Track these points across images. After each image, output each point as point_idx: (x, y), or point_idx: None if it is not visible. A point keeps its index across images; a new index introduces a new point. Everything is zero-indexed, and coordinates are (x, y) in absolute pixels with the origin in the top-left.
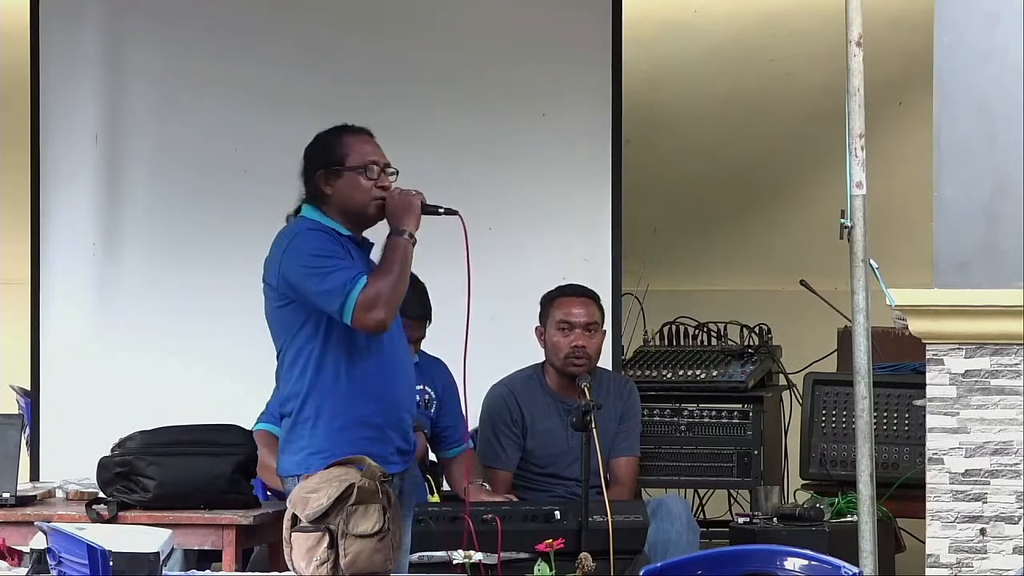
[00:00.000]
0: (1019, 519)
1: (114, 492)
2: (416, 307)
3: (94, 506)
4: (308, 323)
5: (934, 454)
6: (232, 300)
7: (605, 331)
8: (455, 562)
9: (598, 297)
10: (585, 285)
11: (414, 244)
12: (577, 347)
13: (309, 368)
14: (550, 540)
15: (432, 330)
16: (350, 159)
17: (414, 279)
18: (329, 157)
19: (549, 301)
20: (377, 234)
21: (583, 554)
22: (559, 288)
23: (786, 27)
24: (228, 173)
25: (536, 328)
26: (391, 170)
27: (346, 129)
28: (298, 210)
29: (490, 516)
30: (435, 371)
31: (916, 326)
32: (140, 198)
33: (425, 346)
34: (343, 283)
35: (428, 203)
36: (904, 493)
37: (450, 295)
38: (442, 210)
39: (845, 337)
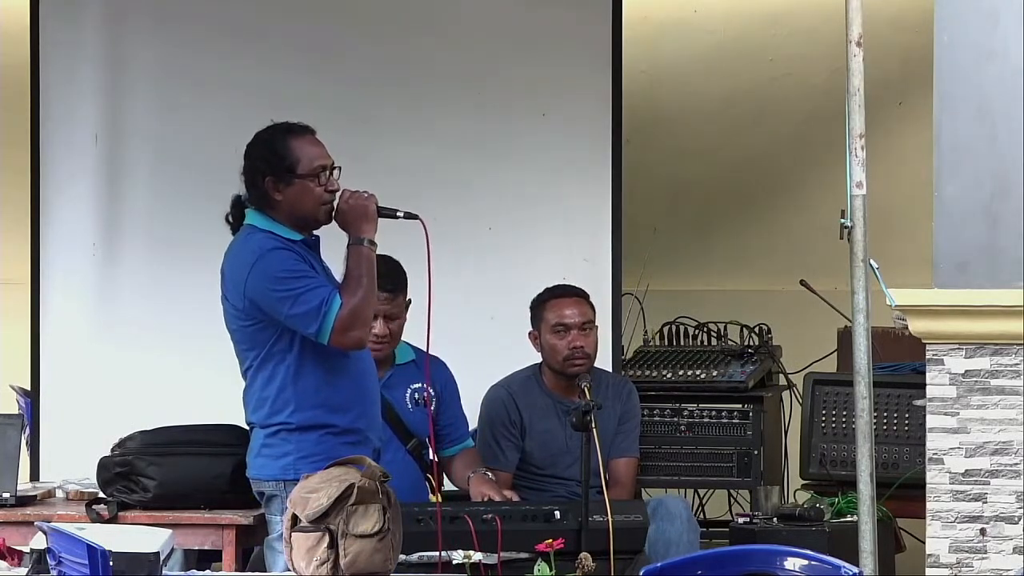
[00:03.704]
0: (1019, 519)
1: (114, 492)
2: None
3: (94, 506)
4: (280, 339)
5: (934, 454)
6: None
7: (597, 326)
8: (455, 562)
9: (587, 294)
10: (580, 286)
11: (375, 249)
12: (576, 348)
13: (288, 381)
14: (550, 540)
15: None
16: (301, 165)
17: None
18: (278, 163)
19: (540, 304)
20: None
21: (583, 554)
22: (548, 290)
23: (786, 27)
24: (228, 173)
25: (530, 333)
26: (336, 167)
27: (291, 130)
28: (240, 213)
29: (490, 516)
30: (434, 369)
31: (916, 326)
32: (140, 198)
33: (421, 345)
34: (317, 305)
35: (383, 205)
36: (904, 493)
37: (448, 296)
38: (401, 214)
39: (845, 337)
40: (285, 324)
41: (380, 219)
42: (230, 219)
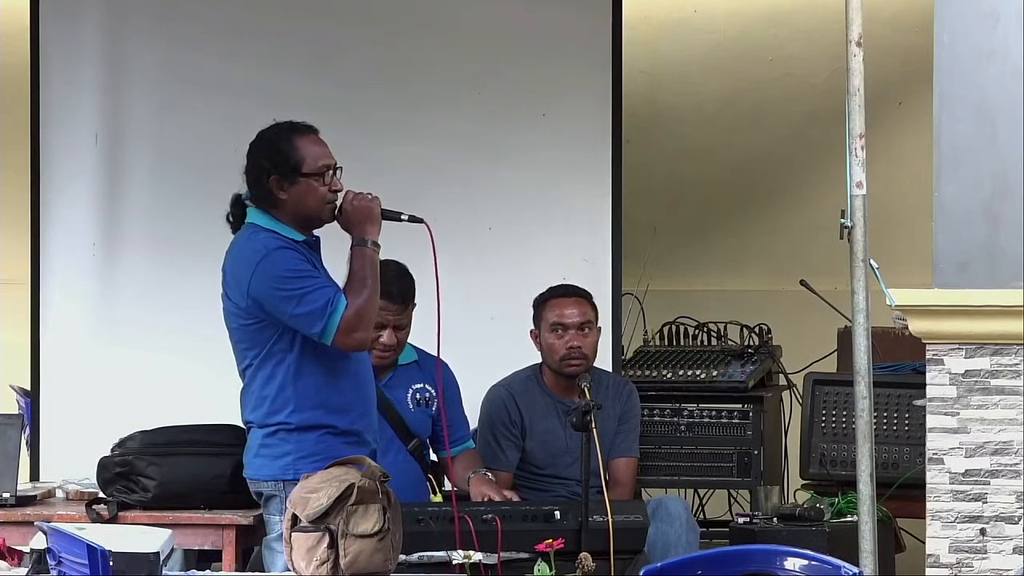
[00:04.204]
0: (1019, 519)
1: (114, 492)
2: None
3: (94, 506)
4: (281, 339)
5: (934, 454)
6: None
7: (600, 328)
8: (455, 562)
9: (590, 295)
10: (581, 285)
11: (379, 251)
12: (572, 347)
13: (288, 380)
14: (550, 540)
15: (428, 332)
16: (306, 165)
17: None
18: (284, 162)
19: (541, 303)
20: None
21: (583, 554)
22: (550, 289)
23: (786, 27)
24: (228, 173)
25: (531, 331)
26: (339, 166)
27: (295, 129)
28: (240, 212)
29: (490, 516)
30: (435, 369)
31: (916, 326)
32: (140, 198)
33: (423, 346)
34: (322, 305)
35: (387, 208)
36: (904, 493)
37: (448, 296)
38: (405, 217)
39: (845, 337)
40: (288, 324)
41: (384, 222)
42: (230, 218)
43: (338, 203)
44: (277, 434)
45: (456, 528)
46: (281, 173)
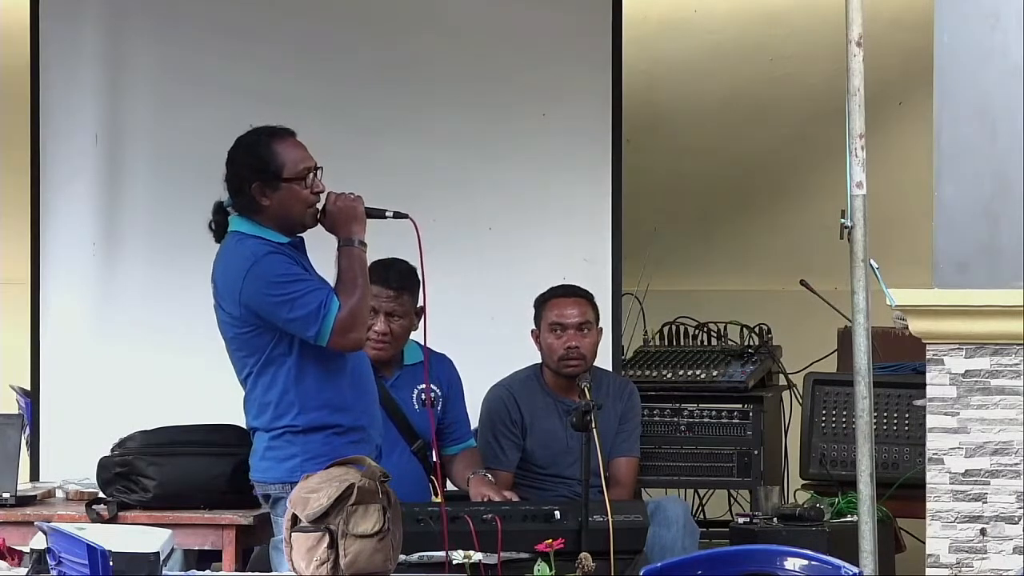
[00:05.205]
0: (1019, 519)
1: (114, 492)
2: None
3: (94, 506)
4: (280, 344)
5: (934, 454)
6: None
7: (601, 329)
8: (455, 562)
9: (591, 296)
10: (581, 285)
11: (365, 250)
12: (571, 347)
13: (291, 383)
14: (550, 540)
15: (430, 331)
16: (287, 169)
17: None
18: (264, 168)
19: (542, 303)
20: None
21: (583, 554)
22: (551, 289)
23: (786, 27)
24: None
25: (532, 331)
26: (319, 167)
27: (274, 134)
28: (223, 220)
29: (490, 516)
30: (441, 368)
31: (916, 326)
32: (140, 198)
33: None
34: (316, 308)
35: (370, 206)
36: (904, 493)
37: (448, 296)
38: (389, 213)
39: (845, 337)
40: (283, 329)
41: (370, 220)
42: (212, 225)
43: (320, 204)
44: (283, 436)
45: (444, 528)
46: (263, 179)
